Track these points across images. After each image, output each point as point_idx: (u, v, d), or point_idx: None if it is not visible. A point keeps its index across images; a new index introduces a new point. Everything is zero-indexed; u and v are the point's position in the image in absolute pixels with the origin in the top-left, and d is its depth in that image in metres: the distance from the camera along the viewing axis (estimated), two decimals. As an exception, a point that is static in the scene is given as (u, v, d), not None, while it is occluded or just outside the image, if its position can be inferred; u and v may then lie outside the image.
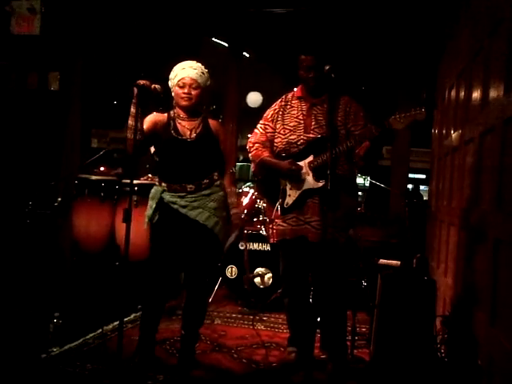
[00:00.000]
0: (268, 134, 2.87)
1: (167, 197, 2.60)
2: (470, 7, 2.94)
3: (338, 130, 2.69)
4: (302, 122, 2.75)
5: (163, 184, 2.63)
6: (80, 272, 3.75)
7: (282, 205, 2.77)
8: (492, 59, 2.31)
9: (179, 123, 2.63)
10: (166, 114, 2.66)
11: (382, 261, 3.34)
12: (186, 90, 2.56)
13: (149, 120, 2.61)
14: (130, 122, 2.47)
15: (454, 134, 3.20)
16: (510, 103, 1.94)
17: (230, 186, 2.75)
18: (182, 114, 2.65)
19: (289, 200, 2.75)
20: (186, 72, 2.57)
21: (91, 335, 3.13)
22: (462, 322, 2.47)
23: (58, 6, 4.29)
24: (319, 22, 4.65)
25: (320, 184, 2.65)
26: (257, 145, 2.88)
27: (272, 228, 2.84)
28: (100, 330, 3.13)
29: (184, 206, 2.58)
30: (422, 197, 4.67)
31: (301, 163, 2.71)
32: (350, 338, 2.97)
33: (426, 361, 2.48)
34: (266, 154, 2.84)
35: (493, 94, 2.24)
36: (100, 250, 3.75)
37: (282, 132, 2.80)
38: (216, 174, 2.66)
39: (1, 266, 3.67)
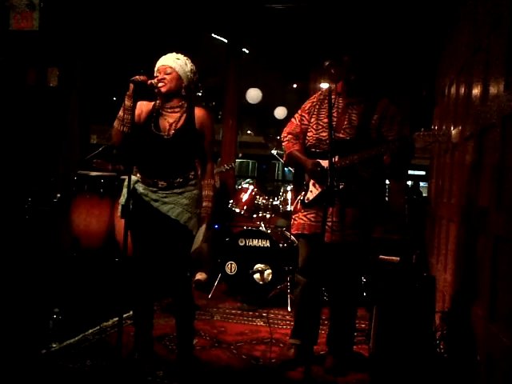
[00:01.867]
0: (303, 126, 2.86)
1: (140, 188, 2.59)
2: (470, 4, 2.94)
3: (370, 133, 2.66)
4: (335, 119, 2.71)
5: (138, 175, 2.62)
6: (80, 268, 3.75)
7: (303, 199, 2.79)
8: (492, 56, 2.30)
9: (161, 115, 2.60)
10: (151, 104, 2.64)
11: (381, 257, 3.35)
12: (160, 76, 2.55)
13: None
14: (121, 113, 2.48)
15: (453, 131, 3.20)
16: (510, 100, 1.93)
17: (208, 178, 2.69)
18: (163, 104, 2.61)
19: (310, 195, 2.76)
20: (161, 61, 2.59)
21: (91, 331, 3.13)
22: (461, 318, 2.48)
23: (57, 1, 4.27)
24: (319, 18, 4.64)
25: (340, 186, 2.65)
26: (289, 136, 2.89)
27: (294, 219, 2.86)
28: (99, 326, 3.14)
29: (155, 200, 2.57)
30: (421, 193, 4.67)
31: (325, 163, 2.68)
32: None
33: (426, 356, 2.48)
34: (296, 147, 2.84)
35: (493, 90, 2.24)
36: (99, 246, 3.76)
37: (314, 127, 2.79)
38: (192, 173, 2.62)
39: (0, 263, 3.67)
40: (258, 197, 4.40)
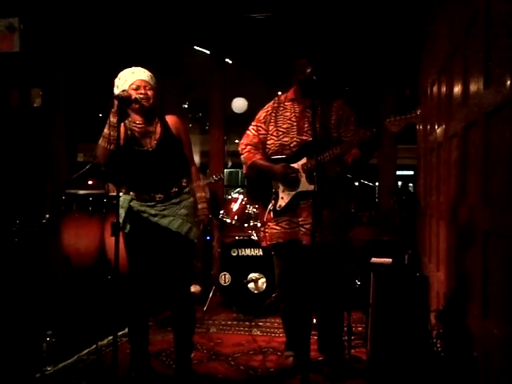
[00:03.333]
0: (260, 136, 2.85)
1: (136, 205, 2.58)
2: (447, 3, 2.98)
3: (331, 133, 2.69)
4: (295, 124, 2.74)
5: (131, 193, 2.60)
6: (72, 288, 3.71)
7: (274, 207, 2.76)
8: (470, 54, 2.33)
9: (137, 132, 2.58)
10: (122, 125, 2.56)
11: (374, 259, 3.35)
12: (142, 91, 2.52)
13: None
14: (106, 130, 2.45)
15: (438, 130, 3.23)
16: (491, 97, 1.96)
17: (195, 181, 2.70)
18: (139, 120, 2.58)
19: (281, 202, 2.74)
20: (137, 75, 2.54)
21: (86, 351, 3.09)
22: (456, 316, 2.48)
23: (38, 22, 4.27)
24: (299, 24, 4.67)
25: (313, 186, 2.65)
26: (249, 147, 2.87)
27: (264, 231, 2.84)
28: (94, 346, 3.10)
29: (154, 215, 2.56)
30: (411, 193, 4.71)
31: (294, 165, 2.71)
32: (346, 337, 2.97)
33: (423, 356, 2.48)
34: (258, 156, 2.83)
35: (473, 88, 2.26)
36: (91, 265, 3.72)
37: (274, 134, 2.79)
38: (185, 180, 2.63)
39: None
40: (248, 206, 4.39)
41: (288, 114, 2.79)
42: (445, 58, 2.98)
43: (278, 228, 2.75)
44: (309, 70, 2.62)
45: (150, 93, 2.54)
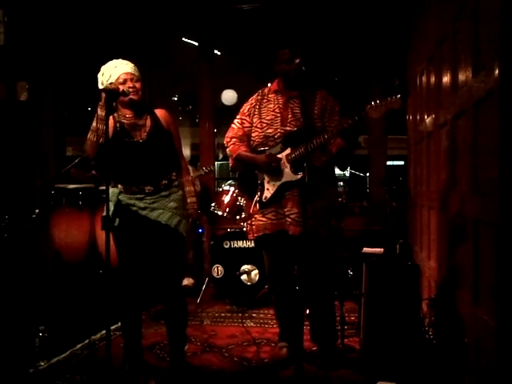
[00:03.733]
0: (245, 129, 2.86)
1: (125, 199, 2.56)
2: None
3: (315, 123, 2.69)
4: (278, 115, 2.75)
5: (119, 186, 2.59)
6: (63, 283, 3.69)
7: (260, 199, 2.77)
8: (459, 43, 2.34)
9: (127, 124, 2.56)
10: (111, 117, 2.54)
11: (365, 249, 3.37)
12: (130, 84, 2.49)
13: None
14: (95, 124, 2.43)
15: (427, 119, 3.24)
16: (479, 86, 1.96)
17: (185, 175, 2.70)
18: (128, 113, 2.56)
19: (267, 194, 2.75)
20: (122, 68, 2.50)
21: (79, 346, 3.09)
22: (448, 304, 2.50)
23: (22, 14, 4.21)
24: (287, 15, 4.65)
25: (298, 176, 2.65)
26: (234, 139, 2.87)
27: (251, 224, 2.84)
28: (87, 340, 3.09)
29: (143, 208, 2.55)
30: (401, 183, 4.72)
31: (279, 156, 2.71)
32: (339, 327, 2.99)
33: (415, 344, 2.51)
34: (242, 148, 2.83)
35: (462, 77, 2.27)
36: (82, 259, 3.70)
37: (258, 126, 2.80)
38: (174, 173, 2.63)
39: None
40: (239, 198, 4.39)
41: (271, 105, 2.79)
42: (433, 46, 2.98)
43: (264, 219, 2.75)
44: (297, 61, 2.60)
45: (137, 85, 2.52)
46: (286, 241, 2.69)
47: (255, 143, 2.81)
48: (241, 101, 8.24)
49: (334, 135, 2.57)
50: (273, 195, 2.73)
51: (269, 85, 2.94)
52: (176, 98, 10.77)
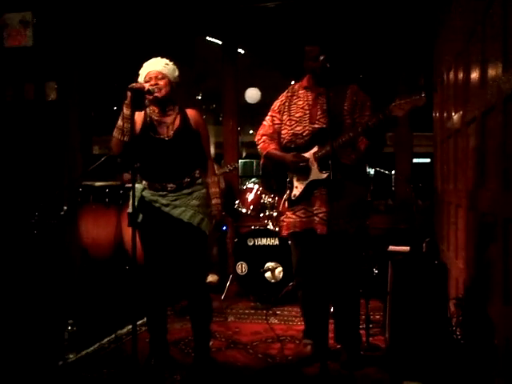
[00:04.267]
0: (275, 126, 2.85)
1: (148, 195, 2.60)
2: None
3: (344, 120, 2.66)
4: (307, 112, 2.74)
5: (144, 182, 2.62)
6: (91, 278, 3.76)
7: (289, 197, 2.77)
8: (488, 37, 2.29)
9: (156, 120, 2.60)
10: (143, 113, 2.63)
11: (391, 247, 3.33)
12: (152, 82, 2.54)
13: None
14: (120, 122, 2.49)
15: (455, 116, 3.18)
16: (509, 81, 1.92)
17: (211, 176, 2.71)
18: (157, 110, 2.61)
19: (296, 192, 2.74)
20: (150, 67, 2.57)
21: (106, 340, 3.14)
22: (476, 304, 2.46)
23: (51, 15, 4.29)
24: (311, 12, 4.63)
25: (324, 175, 2.63)
26: (264, 137, 2.87)
27: (282, 221, 2.84)
28: (114, 335, 3.15)
29: (166, 205, 2.57)
30: (428, 181, 4.65)
31: (306, 154, 2.70)
32: (364, 326, 2.97)
33: (442, 344, 2.47)
34: (272, 146, 2.83)
35: (491, 72, 2.22)
36: (109, 256, 3.77)
37: (288, 123, 2.79)
38: (198, 171, 2.64)
39: (13, 278, 3.69)
40: (263, 196, 4.40)
41: (301, 102, 2.78)
42: (461, 43, 2.93)
43: (294, 217, 2.75)
44: (322, 58, 2.59)
45: (161, 83, 2.54)
46: (315, 239, 2.68)
47: (285, 140, 2.80)
48: (264, 99, 8.26)
49: (360, 133, 2.55)
50: (301, 193, 2.72)
51: (292, 82, 2.94)
52: (200, 97, 10.84)
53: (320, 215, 2.64)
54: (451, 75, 3.39)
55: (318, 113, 2.71)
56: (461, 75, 2.97)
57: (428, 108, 4.52)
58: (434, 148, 4.54)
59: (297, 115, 2.77)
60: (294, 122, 2.77)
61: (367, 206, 2.88)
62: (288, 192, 2.77)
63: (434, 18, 4.12)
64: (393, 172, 5.20)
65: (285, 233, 2.83)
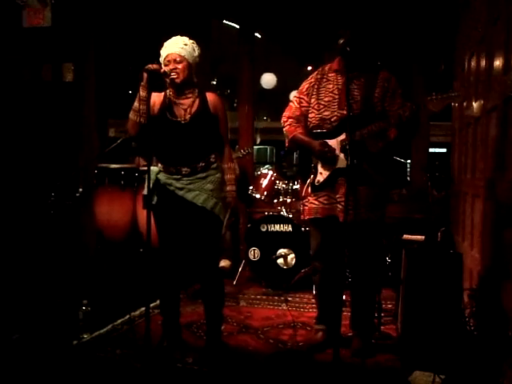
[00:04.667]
0: (303, 109, 2.79)
1: (163, 178, 2.59)
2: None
3: (375, 107, 2.61)
4: (336, 97, 2.67)
5: (159, 165, 2.62)
6: (105, 260, 3.80)
7: (313, 182, 2.73)
8: (513, 23, 2.23)
9: (174, 103, 2.58)
10: (162, 94, 2.61)
11: (405, 236, 3.31)
12: (171, 66, 2.51)
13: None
14: (136, 103, 2.47)
15: (475, 104, 3.12)
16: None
17: (227, 161, 2.68)
18: (173, 92, 2.59)
19: (320, 178, 2.71)
20: (169, 49, 2.53)
21: (120, 321, 3.18)
22: (491, 295, 2.43)
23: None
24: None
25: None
26: (290, 120, 2.83)
27: (304, 204, 2.81)
28: (128, 316, 3.18)
29: (180, 189, 2.57)
30: (444, 170, 4.59)
31: (333, 141, 2.65)
32: (376, 314, 2.96)
33: (455, 334, 2.46)
34: (299, 130, 2.78)
35: (516, 58, 2.17)
36: (123, 238, 3.79)
37: (316, 107, 2.73)
38: (213, 156, 2.61)
39: (29, 258, 3.75)
40: (277, 182, 4.38)
41: (331, 86, 2.70)
42: (484, 28, 2.86)
43: (316, 203, 2.72)
44: (341, 41, 2.55)
45: (179, 66, 2.52)
46: (336, 226, 2.66)
47: (311, 124, 2.75)
48: (280, 84, 8.19)
49: (392, 125, 2.50)
50: (325, 180, 2.68)
51: (309, 68, 2.90)
52: (215, 82, 10.80)
53: (343, 203, 2.61)
54: (473, 62, 3.31)
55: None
56: (483, 62, 2.90)
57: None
58: (451, 137, 4.47)
59: (325, 99, 2.70)
60: (322, 107, 2.70)
61: (388, 196, 2.84)
62: (312, 177, 2.74)
63: (457, 4, 4.02)
64: (408, 161, 5.14)
65: (306, 217, 2.81)
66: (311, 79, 2.81)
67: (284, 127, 2.86)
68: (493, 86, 2.62)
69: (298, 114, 2.81)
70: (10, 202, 4.00)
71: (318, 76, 2.79)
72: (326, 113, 2.68)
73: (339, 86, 2.67)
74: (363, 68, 2.64)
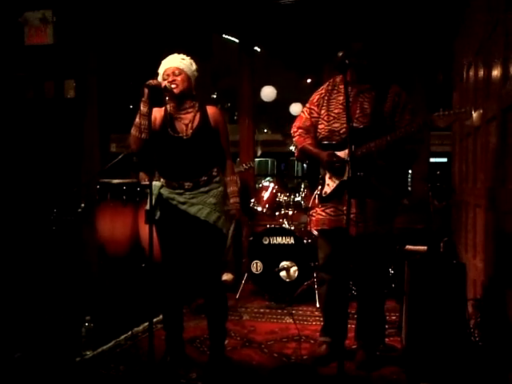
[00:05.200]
0: (313, 119, 2.80)
1: (166, 192, 2.60)
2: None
3: (384, 121, 2.61)
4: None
5: (162, 180, 2.63)
6: (108, 275, 3.79)
7: (320, 193, 2.74)
8: (510, 33, 2.25)
9: (175, 117, 2.60)
10: (163, 109, 2.64)
11: (408, 247, 3.30)
12: (170, 79, 2.54)
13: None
14: (138, 119, 2.50)
15: (475, 114, 3.13)
16: (533, 77, 1.88)
17: (230, 174, 2.69)
18: (176, 106, 2.61)
19: (327, 189, 2.71)
20: (167, 64, 2.58)
21: (123, 337, 3.16)
22: (495, 305, 2.42)
23: (70, 14, 4.34)
24: (328, 9, 4.59)
25: (359, 175, 2.57)
26: (300, 130, 2.84)
27: (311, 215, 2.82)
28: (131, 332, 3.17)
29: (183, 203, 2.57)
30: (445, 180, 4.59)
31: (341, 153, 2.65)
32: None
33: (460, 345, 2.44)
34: (308, 141, 2.78)
35: (514, 68, 2.18)
36: (126, 253, 3.79)
37: (325, 119, 2.73)
38: (215, 169, 2.62)
39: (32, 275, 3.74)
40: (279, 194, 4.39)
41: (341, 98, 2.70)
42: (482, 38, 2.88)
43: (323, 214, 2.72)
44: (340, 54, 2.57)
45: (178, 78, 2.54)
46: (344, 237, 2.65)
47: (321, 136, 2.75)
48: (280, 97, 8.23)
49: (398, 139, 2.50)
50: (332, 191, 2.68)
51: (308, 80, 2.92)
52: (215, 96, 10.87)
53: (350, 216, 2.60)
54: (471, 72, 3.33)
55: (357, 111, 2.64)
56: (481, 72, 2.92)
57: (446, 106, 4.46)
58: (452, 147, 4.48)
59: (335, 111, 2.70)
60: (331, 118, 2.71)
61: (396, 209, 2.84)
62: (319, 188, 2.74)
63: (454, 15, 4.06)
64: (409, 171, 5.14)
65: (313, 228, 2.82)
66: (322, 90, 2.82)
67: (294, 137, 2.88)
68: (491, 96, 2.63)
69: (307, 124, 2.82)
70: (12, 219, 4.01)
71: (329, 87, 2.79)
72: (336, 125, 2.69)
73: (350, 99, 2.65)
74: (374, 81, 2.65)
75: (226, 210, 2.64)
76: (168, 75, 2.55)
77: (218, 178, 2.63)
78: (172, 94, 2.55)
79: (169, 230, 2.62)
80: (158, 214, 2.59)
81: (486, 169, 2.76)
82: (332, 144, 2.70)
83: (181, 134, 2.58)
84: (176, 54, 2.61)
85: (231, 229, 2.66)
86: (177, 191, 2.58)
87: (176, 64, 2.56)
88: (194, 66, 2.62)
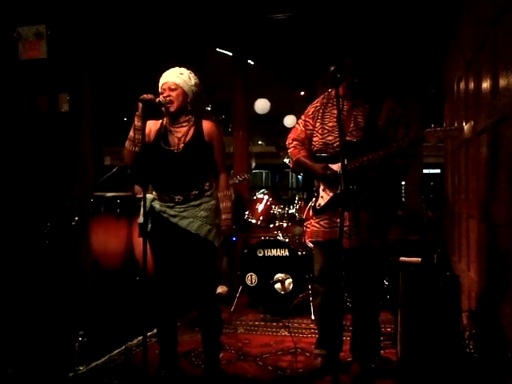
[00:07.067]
0: (307, 132, 2.82)
1: (157, 206, 2.60)
2: (473, -3, 2.92)
3: (377, 135, 2.63)
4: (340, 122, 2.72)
5: (154, 192, 2.63)
6: (101, 289, 3.77)
7: (314, 205, 2.75)
8: (499, 47, 2.29)
9: (169, 131, 2.61)
10: (159, 122, 2.65)
11: (402, 258, 3.31)
12: (165, 94, 2.55)
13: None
14: (132, 133, 2.50)
15: (466, 126, 3.17)
16: (522, 90, 1.91)
17: (223, 189, 2.68)
18: (170, 120, 2.62)
19: (321, 201, 2.73)
20: (165, 78, 2.58)
21: (116, 351, 3.13)
22: (490, 316, 2.43)
23: (64, 28, 4.36)
24: (319, 24, 4.64)
25: (351, 188, 2.59)
26: (295, 142, 2.86)
27: (306, 227, 2.83)
28: (124, 346, 3.14)
29: (174, 216, 2.57)
30: (438, 191, 4.62)
31: (335, 166, 2.66)
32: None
33: (455, 357, 2.44)
34: (303, 153, 2.81)
35: (502, 82, 2.22)
36: (119, 266, 3.77)
37: (320, 131, 2.75)
38: (207, 184, 2.61)
39: (25, 289, 3.71)
40: (273, 206, 4.40)
41: (335, 111, 2.67)
42: (472, 52, 2.92)
43: (318, 226, 2.73)
44: (332, 69, 2.59)
45: (173, 94, 2.54)
46: (337, 250, 2.65)
47: (315, 148, 2.78)
48: (274, 109, 8.28)
49: (391, 153, 2.53)
50: (326, 203, 2.70)
51: (302, 93, 2.95)
52: (209, 108, 10.91)
53: (344, 228, 2.60)
54: (462, 85, 3.38)
55: (351, 125, 2.66)
56: (471, 85, 2.96)
57: (438, 118, 4.51)
58: (444, 158, 4.52)
59: (329, 124, 2.72)
60: (326, 131, 2.73)
61: (390, 222, 2.85)
62: (313, 200, 2.76)
63: (445, 28, 4.12)
64: (403, 183, 5.18)
65: (308, 240, 2.84)
66: (317, 103, 2.84)
67: (289, 149, 2.90)
68: (482, 109, 2.67)
69: (302, 136, 2.84)
70: (5, 232, 3.99)
71: (324, 100, 2.82)
72: (330, 138, 2.71)
73: (344, 112, 2.68)
74: (368, 96, 2.68)
75: (217, 223, 2.63)
76: (164, 90, 2.56)
77: (209, 192, 2.62)
78: (167, 110, 2.56)
79: (161, 243, 2.62)
80: (150, 226, 2.58)
81: (478, 181, 2.79)
82: (326, 157, 2.72)
83: (172, 148, 2.58)
84: (176, 68, 2.61)
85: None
86: (168, 204, 2.58)
87: (172, 79, 2.56)
88: (193, 81, 2.61)
